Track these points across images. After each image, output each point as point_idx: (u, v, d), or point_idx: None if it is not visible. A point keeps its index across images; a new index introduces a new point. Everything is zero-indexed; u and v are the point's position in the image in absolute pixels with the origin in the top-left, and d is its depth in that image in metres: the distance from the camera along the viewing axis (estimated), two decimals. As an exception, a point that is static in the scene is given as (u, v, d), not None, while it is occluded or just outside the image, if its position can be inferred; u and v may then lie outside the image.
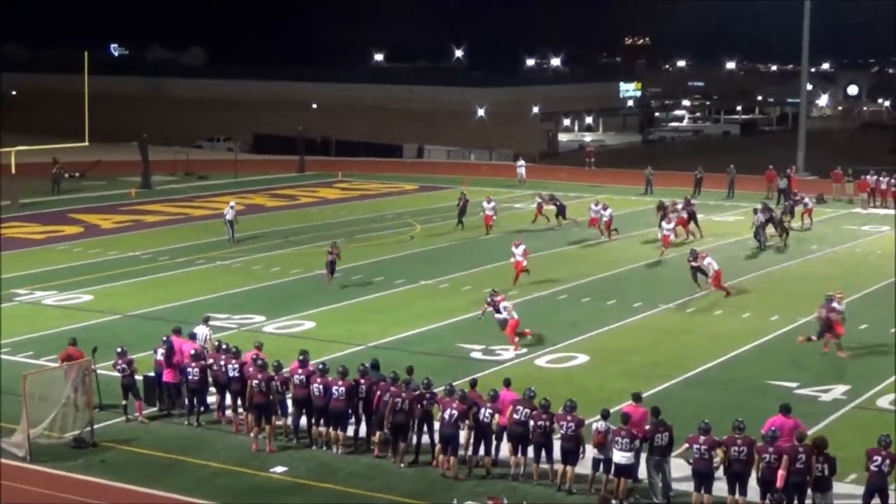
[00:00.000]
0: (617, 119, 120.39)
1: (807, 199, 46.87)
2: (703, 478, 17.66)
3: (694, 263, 33.41)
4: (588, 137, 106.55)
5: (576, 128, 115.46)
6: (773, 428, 17.77)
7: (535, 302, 32.50)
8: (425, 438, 19.98)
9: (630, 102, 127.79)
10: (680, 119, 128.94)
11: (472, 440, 19.44)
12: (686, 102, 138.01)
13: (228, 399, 21.75)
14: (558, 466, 18.84)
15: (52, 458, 20.17)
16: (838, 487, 17.63)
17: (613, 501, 17.86)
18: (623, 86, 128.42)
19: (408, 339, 28.37)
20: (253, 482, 19.25)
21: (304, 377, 20.66)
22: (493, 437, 19.47)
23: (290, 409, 21.17)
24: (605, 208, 43.58)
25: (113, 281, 35.55)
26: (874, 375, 25.15)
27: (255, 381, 20.60)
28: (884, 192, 52.52)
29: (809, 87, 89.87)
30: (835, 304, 26.75)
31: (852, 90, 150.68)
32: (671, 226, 40.09)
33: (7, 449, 20.29)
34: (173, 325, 24.09)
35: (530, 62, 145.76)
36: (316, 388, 20.42)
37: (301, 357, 21.09)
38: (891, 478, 17.07)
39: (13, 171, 51.96)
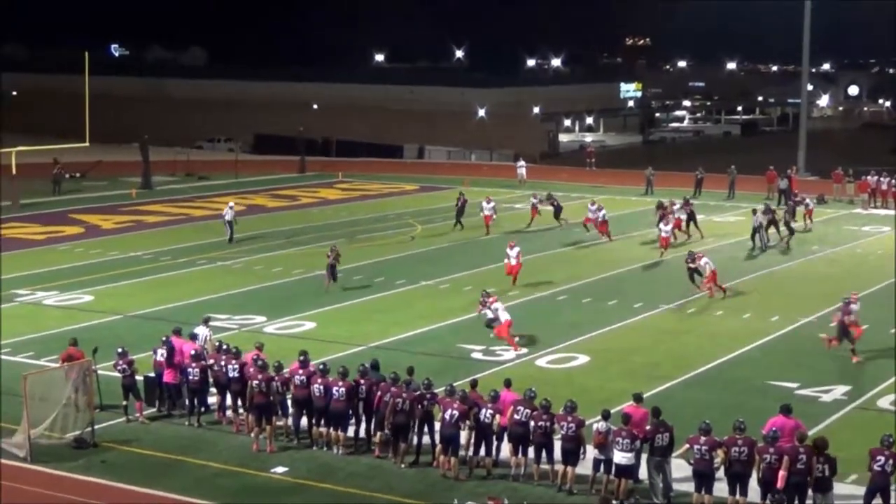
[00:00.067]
0: (617, 119, 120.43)
1: (808, 200, 46.88)
2: (703, 478, 17.66)
3: (692, 265, 33.48)
4: (589, 138, 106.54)
5: (576, 128, 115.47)
6: (773, 428, 17.77)
7: (535, 302, 32.53)
8: (426, 439, 19.98)
9: (631, 103, 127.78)
10: (680, 119, 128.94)
11: (472, 441, 19.43)
12: (687, 103, 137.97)
13: (229, 399, 21.76)
14: (559, 467, 18.84)
15: (53, 458, 20.17)
16: (839, 488, 17.62)
17: (614, 502, 17.86)
18: (624, 86, 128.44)
19: (408, 340, 28.37)
20: (253, 482, 19.26)
21: (305, 378, 20.67)
22: (494, 437, 19.46)
23: (291, 409, 21.17)
24: (599, 209, 43.72)
25: (114, 281, 35.57)
26: (875, 376, 25.16)
27: (256, 382, 20.61)
28: (884, 193, 52.54)
29: (810, 87, 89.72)
30: (852, 306, 26.65)
31: (853, 90, 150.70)
32: (669, 227, 40.11)
33: (8, 449, 20.29)
34: (174, 325, 24.10)
35: (531, 63, 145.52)
36: (316, 388, 20.43)
37: (301, 357, 21.10)
38: (893, 478, 17.08)
39: (14, 171, 51.90)
